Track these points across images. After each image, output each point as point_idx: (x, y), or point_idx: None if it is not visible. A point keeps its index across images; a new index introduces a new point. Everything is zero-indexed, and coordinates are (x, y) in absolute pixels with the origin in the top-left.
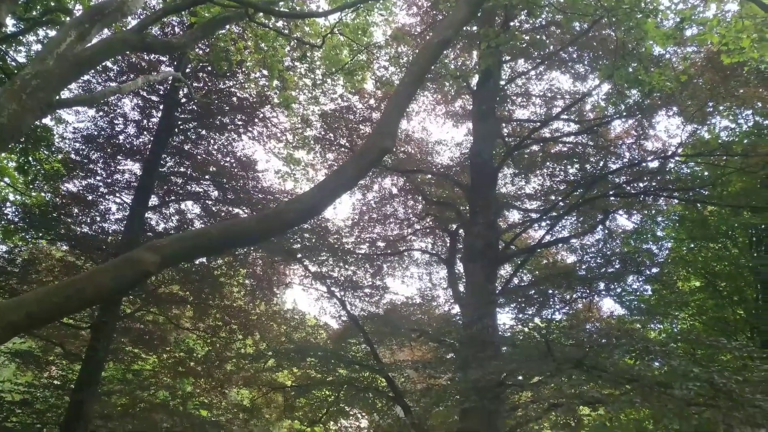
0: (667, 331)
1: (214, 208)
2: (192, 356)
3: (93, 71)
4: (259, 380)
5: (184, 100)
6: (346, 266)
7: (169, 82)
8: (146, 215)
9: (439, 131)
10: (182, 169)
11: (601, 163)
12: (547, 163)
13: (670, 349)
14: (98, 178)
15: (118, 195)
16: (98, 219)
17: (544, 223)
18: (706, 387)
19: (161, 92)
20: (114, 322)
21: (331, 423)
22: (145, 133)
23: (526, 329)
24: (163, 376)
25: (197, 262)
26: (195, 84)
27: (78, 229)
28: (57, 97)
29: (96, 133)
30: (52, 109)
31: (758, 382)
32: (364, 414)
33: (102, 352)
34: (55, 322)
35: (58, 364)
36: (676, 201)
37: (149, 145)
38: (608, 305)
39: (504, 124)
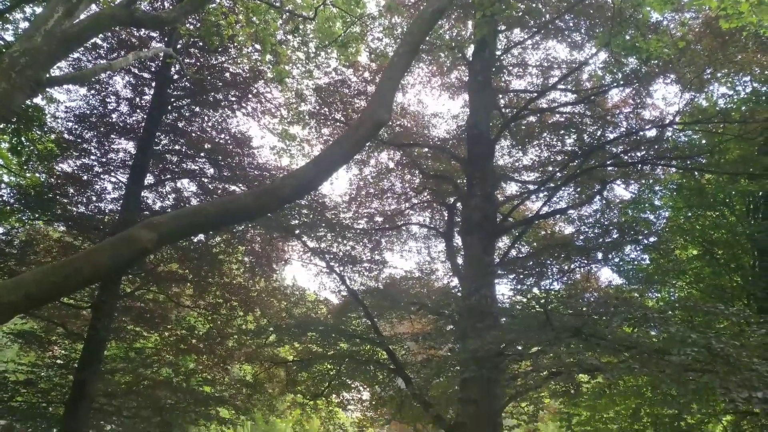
0: (664, 300)
1: (210, 186)
2: (193, 333)
3: (83, 49)
4: (260, 356)
5: (176, 76)
6: (345, 242)
7: (161, 59)
8: (142, 194)
9: (436, 104)
10: (177, 147)
11: (599, 133)
12: (544, 134)
13: (667, 317)
14: (92, 157)
15: (113, 174)
16: (94, 199)
17: (541, 195)
18: (703, 353)
19: (153, 69)
20: (114, 301)
21: (334, 396)
22: (138, 111)
23: (524, 300)
24: (165, 353)
25: (195, 240)
26: (187, 60)
27: (74, 209)
28: (47, 75)
29: (88, 112)
30: (42, 88)
31: (755, 347)
32: (365, 386)
33: (103, 331)
34: (55, 302)
35: (61, 344)
36: (674, 170)
37: (143, 123)
38: (606, 275)
39: (500, 95)
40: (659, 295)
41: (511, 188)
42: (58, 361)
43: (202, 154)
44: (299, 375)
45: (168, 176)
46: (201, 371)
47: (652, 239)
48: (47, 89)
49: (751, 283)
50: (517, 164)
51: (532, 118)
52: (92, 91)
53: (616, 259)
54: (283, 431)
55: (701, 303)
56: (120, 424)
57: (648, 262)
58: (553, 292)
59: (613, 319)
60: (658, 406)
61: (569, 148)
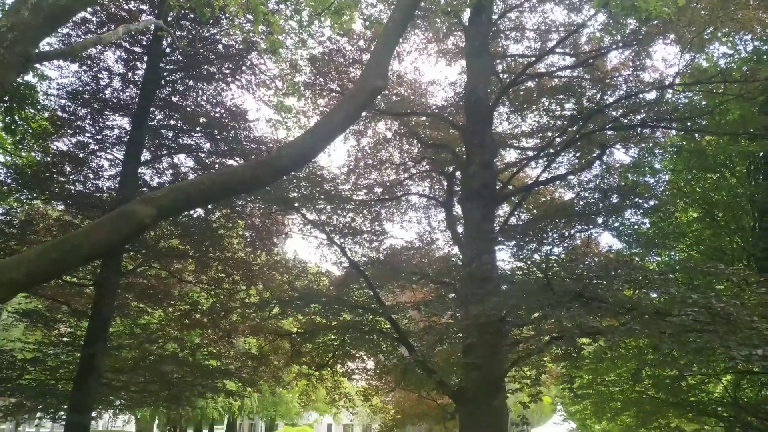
0: (665, 263)
1: (207, 161)
2: (197, 308)
3: (72, 24)
4: (265, 328)
5: (168, 50)
6: (344, 213)
7: (152, 32)
8: (139, 170)
9: (432, 71)
10: (172, 122)
11: (598, 97)
12: (543, 99)
13: (668, 278)
14: (87, 134)
15: (109, 151)
16: (91, 176)
17: (540, 161)
18: (703, 313)
19: (144, 43)
20: (117, 278)
21: (338, 366)
22: (131, 86)
23: (524, 265)
24: (170, 329)
25: (195, 215)
26: (178, 33)
27: (72, 187)
28: (36, 50)
29: (81, 88)
30: (31, 63)
31: (755, 306)
32: (369, 356)
33: (107, 308)
34: (58, 280)
35: (66, 322)
36: (674, 132)
37: (136, 99)
38: (606, 240)
39: (498, 61)
40: (659, 258)
41: (510, 155)
42: (64, 339)
43: (197, 129)
44: (304, 346)
45: (164, 152)
46: (206, 345)
47: (652, 203)
48: (37, 65)
49: (751, 244)
50: (515, 131)
51: (530, 83)
52: (84, 67)
53: (617, 224)
54: (290, 402)
55: (701, 264)
56: (128, 399)
57: (648, 226)
58: (553, 257)
59: (613, 282)
60: (658, 368)
61: (568, 113)
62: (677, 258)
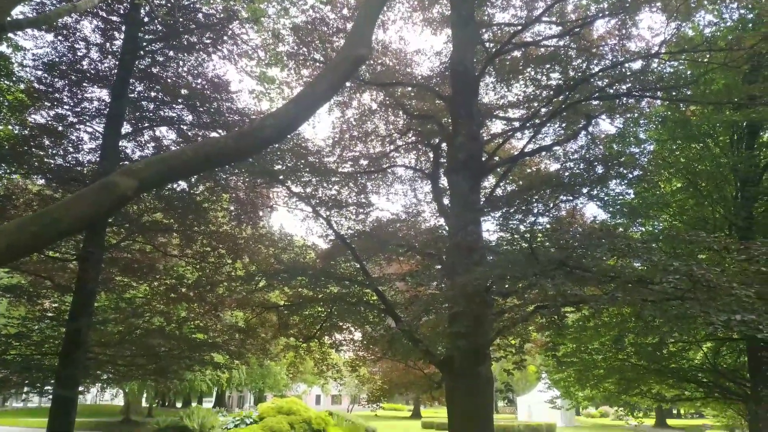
0: (649, 233)
1: (189, 133)
2: (183, 282)
3: None
4: (251, 301)
5: (146, 19)
6: (330, 186)
7: (129, 0)
8: (120, 143)
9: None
10: (153, 94)
11: (584, 66)
12: (529, 69)
13: (650, 247)
14: (65, 107)
15: (88, 124)
16: (71, 150)
17: (526, 132)
18: (685, 280)
19: (121, 12)
20: (100, 253)
21: (326, 337)
22: (109, 57)
23: (509, 236)
24: (155, 303)
25: (178, 189)
26: (156, 1)
27: (51, 161)
28: (8, 19)
29: (57, 59)
30: (4, 32)
31: (735, 273)
32: (356, 327)
33: (92, 283)
34: (40, 255)
35: (50, 297)
36: (659, 102)
37: (115, 70)
38: (591, 211)
39: (484, 30)
40: (644, 229)
41: (496, 127)
42: (49, 314)
43: (179, 101)
44: (291, 319)
45: (145, 124)
46: (193, 319)
47: (636, 173)
48: (10, 35)
49: (732, 214)
50: (501, 101)
51: (516, 53)
52: (59, 37)
53: (601, 194)
54: (278, 374)
55: (683, 232)
56: (116, 373)
57: (633, 196)
58: (538, 228)
59: (597, 250)
60: (641, 336)
61: (554, 83)
62: (661, 228)
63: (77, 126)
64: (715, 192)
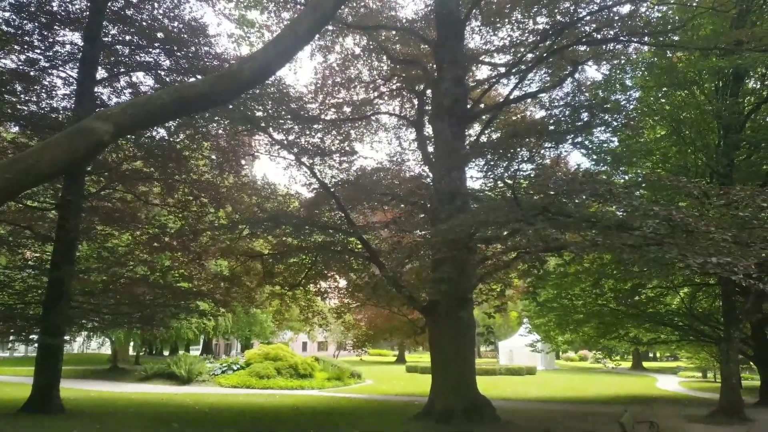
0: (632, 181)
1: (167, 79)
2: (165, 231)
3: None
4: (235, 250)
5: None
6: (313, 133)
7: None
8: (96, 89)
9: None
10: (127, 38)
11: (572, 10)
12: (516, 12)
13: (631, 191)
14: (37, 51)
15: (61, 69)
16: (44, 96)
17: (512, 78)
18: (664, 224)
19: None
20: (80, 201)
21: (311, 285)
22: None
23: (493, 183)
24: (138, 252)
25: (158, 137)
26: None
27: (25, 107)
28: None
29: (26, 0)
30: None
31: (713, 217)
32: (341, 275)
33: (72, 232)
34: (18, 204)
35: (31, 247)
36: (646, 48)
37: (87, 12)
38: (576, 159)
39: None
40: (627, 177)
41: (482, 73)
42: (30, 263)
43: (155, 45)
44: (276, 267)
45: (121, 69)
46: (177, 268)
47: (621, 120)
48: None
49: (714, 161)
50: (487, 46)
51: None
52: None
53: (586, 142)
54: (265, 321)
55: (664, 177)
56: (101, 321)
57: (617, 143)
58: (521, 174)
59: (579, 195)
60: (620, 281)
61: (541, 27)
62: (644, 175)
63: (50, 71)
64: (698, 140)
